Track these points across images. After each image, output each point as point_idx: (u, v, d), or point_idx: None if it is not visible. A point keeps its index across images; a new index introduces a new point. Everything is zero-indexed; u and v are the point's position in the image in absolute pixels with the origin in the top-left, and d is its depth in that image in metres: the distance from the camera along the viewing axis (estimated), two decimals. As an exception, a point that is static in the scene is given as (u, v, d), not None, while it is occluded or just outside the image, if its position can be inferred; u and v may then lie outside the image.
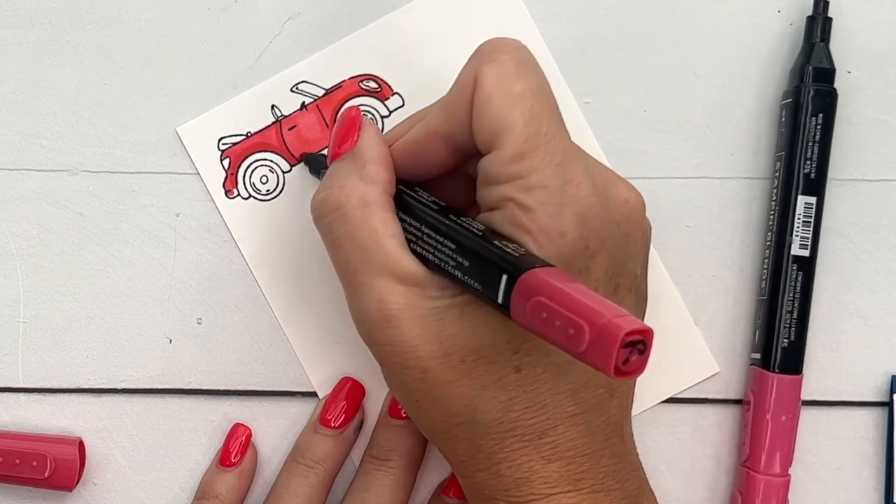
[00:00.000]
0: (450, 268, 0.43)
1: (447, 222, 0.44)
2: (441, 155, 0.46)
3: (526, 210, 0.43)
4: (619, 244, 0.45)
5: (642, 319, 0.48)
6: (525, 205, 0.43)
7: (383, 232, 0.45)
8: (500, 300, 0.40)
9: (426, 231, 0.45)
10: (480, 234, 0.43)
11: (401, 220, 0.46)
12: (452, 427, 0.45)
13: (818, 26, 0.52)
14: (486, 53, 0.44)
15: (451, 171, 0.47)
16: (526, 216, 0.43)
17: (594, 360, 0.37)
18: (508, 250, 0.41)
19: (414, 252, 0.45)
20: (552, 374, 0.44)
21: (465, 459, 0.46)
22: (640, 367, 0.37)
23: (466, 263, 0.42)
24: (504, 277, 0.40)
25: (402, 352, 0.44)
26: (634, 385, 0.48)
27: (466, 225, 0.44)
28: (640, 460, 0.48)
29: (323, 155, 0.52)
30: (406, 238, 0.45)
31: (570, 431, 0.45)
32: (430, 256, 0.44)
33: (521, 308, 0.39)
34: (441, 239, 0.44)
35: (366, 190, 0.46)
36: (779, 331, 0.52)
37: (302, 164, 0.53)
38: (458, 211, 0.46)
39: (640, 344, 0.37)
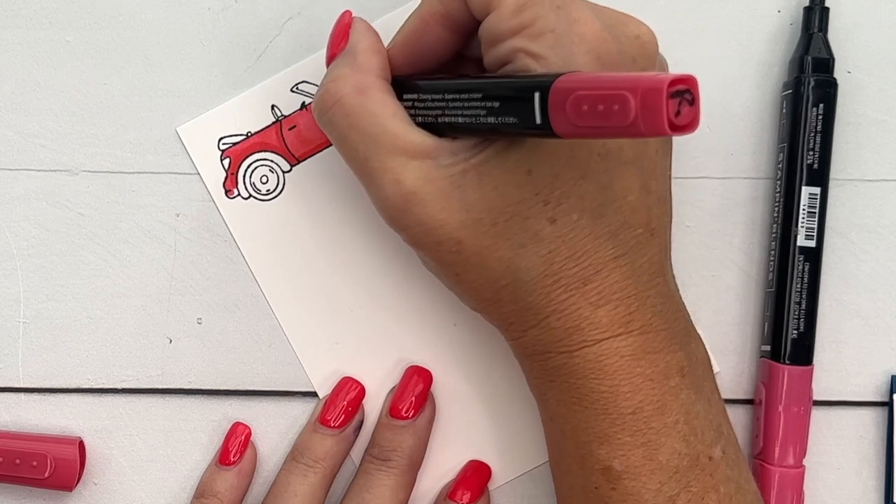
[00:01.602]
0: (481, 118, 0.43)
1: (465, 81, 0.44)
2: (440, 38, 0.47)
3: (537, 57, 0.43)
4: None
5: (670, 160, 0.47)
6: (535, 52, 0.43)
7: (383, 113, 0.45)
8: (538, 120, 0.40)
9: (448, 97, 0.44)
10: (500, 76, 0.43)
11: (410, 100, 0.46)
12: (497, 291, 0.45)
13: (815, 16, 0.52)
14: None
15: (451, 63, 0.48)
16: (538, 63, 0.43)
17: (647, 125, 0.36)
18: (533, 77, 0.42)
19: (426, 126, 0.45)
20: (588, 220, 0.44)
21: (513, 321, 0.46)
22: (694, 118, 0.36)
23: (497, 105, 0.42)
24: (537, 95, 0.40)
25: (431, 229, 0.45)
26: (671, 225, 0.48)
27: (484, 77, 0.44)
28: (683, 302, 0.48)
29: None
30: (417, 115, 0.46)
31: (613, 274, 0.45)
32: (458, 119, 0.44)
33: (561, 114, 0.39)
34: (465, 96, 0.43)
35: (359, 78, 0.46)
36: (788, 322, 0.52)
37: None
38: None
39: (687, 94, 0.36)
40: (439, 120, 0.45)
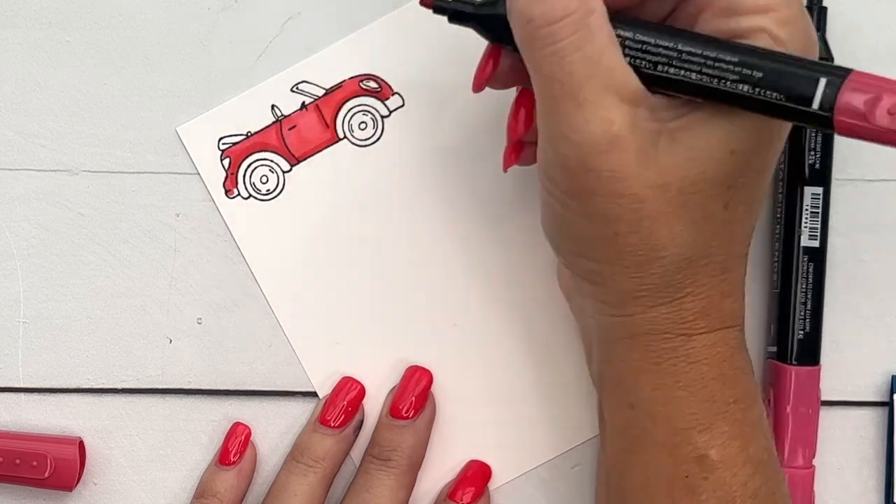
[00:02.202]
0: (728, 83, 0.41)
1: (717, 40, 0.42)
2: None
3: (779, 43, 0.42)
4: None
5: None
6: (778, 37, 0.42)
7: (609, 44, 0.42)
8: (816, 105, 0.39)
9: (684, 49, 0.42)
10: (768, 50, 0.42)
11: (622, 38, 0.43)
12: (651, 261, 0.44)
13: (814, 16, 0.52)
14: None
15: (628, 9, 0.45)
16: (781, 49, 0.42)
17: None
18: (817, 62, 0.41)
19: (640, 72, 0.43)
20: (747, 213, 0.45)
21: (645, 294, 0.45)
22: None
23: (759, 75, 0.41)
24: (823, 80, 0.39)
25: (621, 178, 0.42)
26: None
27: (741, 43, 0.42)
28: None
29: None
30: (626, 55, 0.43)
31: (741, 269, 0.46)
32: (691, 76, 0.42)
33: (852, 108, 0.38)
34: (713, 55, 0.42)
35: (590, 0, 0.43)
36: (793, 323, 0.52)
37: (432, 10, 0.46)
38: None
39: None
40: (658, 69, 0.43)
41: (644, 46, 0.43)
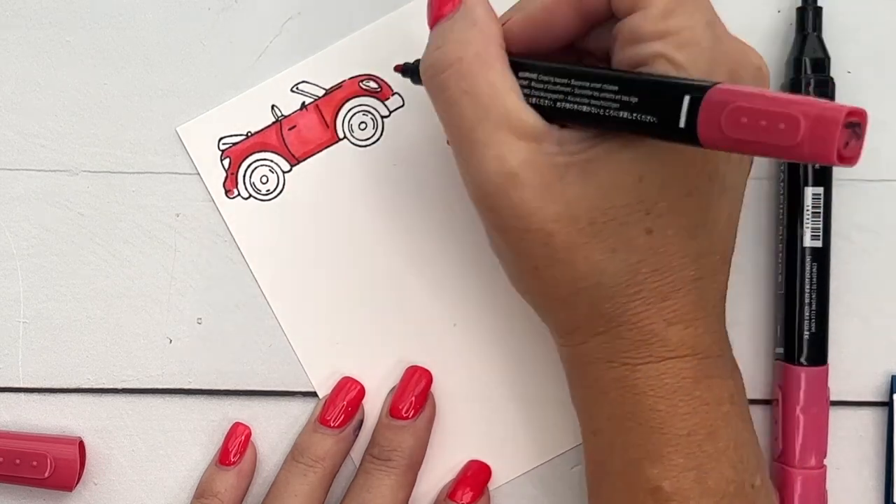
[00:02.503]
0: (611, 111, 0.42)
1: (599, 70, 0.43)
2: (566, 22, 0.45)
3: (678, 67, 0.42)
4: None
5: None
6: (677, 61, 0.42)
7: (501, 85, 0.44)
8: (682, 124, 0.39)
9: (575, 83, 0.43)
10: (642, 74, 0.43)
11: (526, 79, 0.45)
12: (576, 293, 0.44)
13: (809, 16, 0.52)
14: None
15: (561, 51, 0.47)
16: (677, 73, 0.42)
17: (812, 150, 0.36)
18: (682, 80, 0.41)
19: (538, 109, 0.44)
20: (682, 238, 0.44)
21: (581, 325, 0.45)
22: (859, 152, 0.37)
23: (635, 101, 0.41)
24: (687, 98, 0.39)
25: (524, 215, 0.43)
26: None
27: (619, 70, 0.43)
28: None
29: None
30: (531, 96, 0.44)
31: (690, 295, 0.44)
32: (583, 108, 0.43)
33: (712, 123, 0.38)
34: (598, 85, 0.43)
35: (482, 45, 0.44)
36: (799, 324, 0.52)
37: (401, 74, 0.50)
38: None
39: (857, 127, 0.36)
40: (557, 105, 0.44)
41: (545, 86, 0.44)
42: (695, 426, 0.44)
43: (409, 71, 0.49)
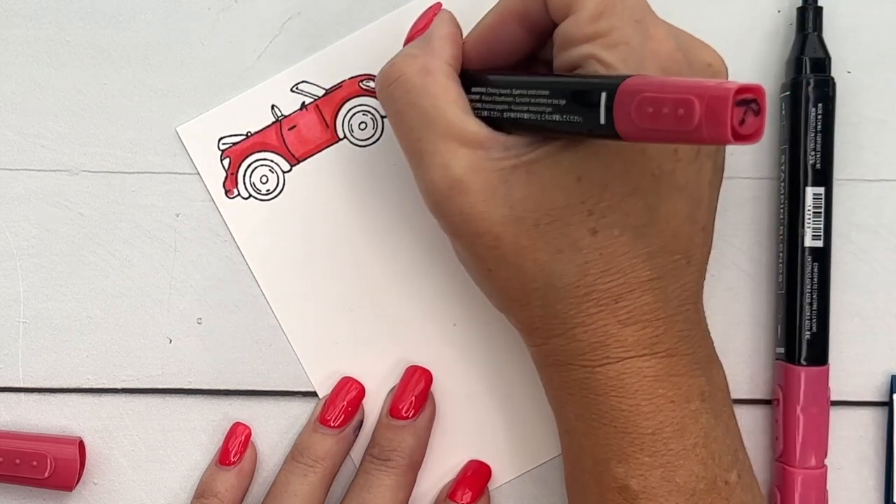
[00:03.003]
0: (545, 115, 0.43)
1: (533, 78, 0.45)
2: (516, 37, 0.47)
3: (608, 66, 0.43)
4: None
5: (717, 192, 0.47)
6: (606, 61, 0.43)
7: (443, 97, 0.45)
8: (602, 120, 0.40)
9: (515, 93, 0.45)
10: (568, 75, 0.44)
11: (478, 93, 0.46)
12: (528, 293, 0.45)
13: (809, 16, 0.52)
14: None
15: (524, 64, 0.48)
16: (607, 72, 0.43)
17: (710, 131, 0.36)
18: (602, 77, 0.42)
19: (491, 120, 0.45)
20: (629, 238, 0.44)
21: (539, 326, 0.46)
22: (758, 128, 0.36)
23: (563, 103, 0.42)
24: (604, 94, 0.40)
25: (471, 220, 0.45)
26: (709, 257, 0.48)
27: (551, 75, 0.45)
28: (709, 332, 0.48)
29: None
30: (483, 109, 0.46)
31: (646, 296, 0.45)
32: (524, 116, 0.44)
33: (626, 115, 0.39)
34: (532, 92, 0.44)
35: (427, 59, 0.47)
36: (800, 324, 0.52)
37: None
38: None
39: (753, 103, 0.36)
40: (504, 115, 0.45)
41: (493, 97, 0.46)
42: (660, 424, 0.45)
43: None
